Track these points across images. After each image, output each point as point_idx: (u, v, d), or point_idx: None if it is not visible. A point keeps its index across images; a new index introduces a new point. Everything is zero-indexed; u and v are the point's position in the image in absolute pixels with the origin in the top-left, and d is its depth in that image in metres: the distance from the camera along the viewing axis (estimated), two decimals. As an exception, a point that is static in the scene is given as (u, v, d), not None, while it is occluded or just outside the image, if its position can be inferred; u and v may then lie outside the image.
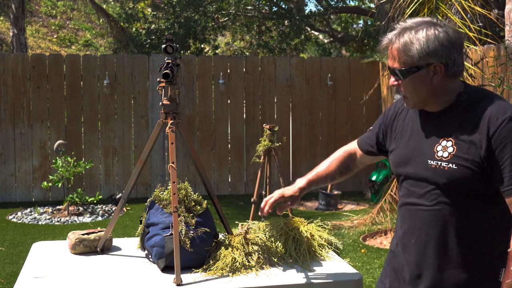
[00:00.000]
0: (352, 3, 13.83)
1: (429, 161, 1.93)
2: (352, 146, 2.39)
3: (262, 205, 2.38)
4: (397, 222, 2.12)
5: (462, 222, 1.91)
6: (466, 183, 1.88)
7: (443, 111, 1.96)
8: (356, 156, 2.36)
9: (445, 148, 1.91)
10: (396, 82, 1.98)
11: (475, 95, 1.95)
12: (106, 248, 2.84)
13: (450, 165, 1.89)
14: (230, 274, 2.49)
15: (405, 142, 2.04)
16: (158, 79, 2.65)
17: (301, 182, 2.37)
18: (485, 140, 1.85)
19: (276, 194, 2.36)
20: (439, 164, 1.91)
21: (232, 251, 2.55)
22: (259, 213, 2.40)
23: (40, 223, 6.96)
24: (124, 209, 7.52)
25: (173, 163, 2.54)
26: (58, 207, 7.63)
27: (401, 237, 2.06)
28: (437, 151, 1.93)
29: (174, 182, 2.52)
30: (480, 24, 6.98)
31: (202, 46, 10.96)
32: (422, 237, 1.97)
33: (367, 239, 6.23)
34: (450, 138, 1.92)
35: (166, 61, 2.66)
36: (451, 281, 1.94)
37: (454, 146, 1.90)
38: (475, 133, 1.87)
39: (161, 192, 2.75)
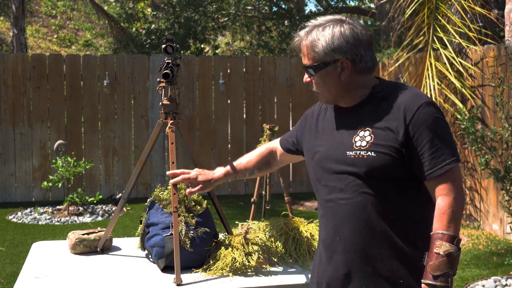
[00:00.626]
0: (352, 3, 13.84)
1: (347, 152, 1.94)
2: (275, 143, 2.43)
3: (174, 175, 2.44)
4: (320, 224, 2.07)
5: (386, 210, 1.90)
6: (386, 170, 1.89)
7: (359, 104, 1.99)
8: (277, 153, 2.41)
9: (363, 137, 1.93)
10: (309, 79, 2.03)
11: (389, 87, 1.99)
12: (106, 248, 2.84)
13: (369, 153, 1.90)
14: (230, 274, 2.49)
15: (325, 140, 2.05)
16: (158, 79, 2.65)
17: (219, 171, 2.43)
18: (403, 127, 1.88)
19: (193, 173, 2.42)
20: (358, 154, 1.92)
21: (232, 251, 2.55)
22: (168, 174, 2.47)
23: (40, 223, 6.96)
24: (124, 209, 7.52)
25: (173, 163, 2.54)
26: (58, 207, 7.63)
27: (325, 238, 2.02)
28: (355, 142, 1.94)
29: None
30: (480, 24, 6.98)
31: (202, 46, 10.96)
32: (346, 232, 1.95)
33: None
34: (367, 128, 1.93)
35: (166, 61, 2.66)
36: (382, 273, 1.91)
37: (372, 135, 1.92)
38: (392, 120, 1.90)
39: (161, 192, 2.75)
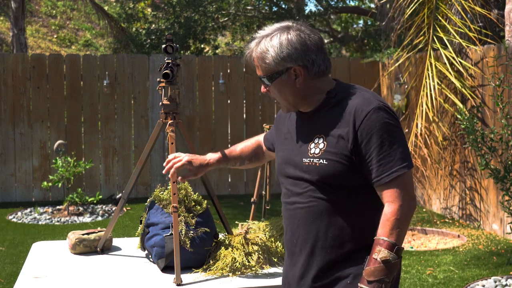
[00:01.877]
0: (352, 3, 13.82)
1: (303, 159, 1.95)
2: (261, 138, 2.43)
3: (166, 165, 2.36)
4: (284, 225, 2.11)
5: (339, 216, 1.92)
6: (338, 177, 1.90)
7: (315, 110, 1.99)
8: (263, 148, 2.41)
9: (317, 145, 1.94)
10: (265, 89, 2.03)
11: (344, 91, 1.98)
12: (106, 248, 2.84)
13: (321, 161, 1.91)
14: (230, 274, 2.49)
15: (286, 144, 2.07)
16: (158, 79, 2.65)
17: (212, 156, 2.39)
18: (352, 133, 1.88)
19: (185, 159, 2.35)
20: (311, 161, 1.93)
21: (232, 251, 2.55)
22: (164, 172, 2.39)
23: (40, 223, 6.96)
24: (124, 209, 7.52)
25: (173, 163, 2.53)
26: (58, 207, 7.63)
27: (286, 239, 2.07)
28: (310, 149, 1.95)
29: (174, 182, 2.52)
30: (480, 24, 6.97)
31: (202, 46, 10.95)
32: (301, 236, 1.98)
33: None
34: (322, 135, 1.94)
35: (166, 61, 2.66)
36: (332, 277, 1.93)
37: (324, 142, 1.92)
38: (342, 127, 1.90)
39: (161, 192, 2.75)
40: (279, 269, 2.55)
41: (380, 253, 1.82)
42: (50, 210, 7.51)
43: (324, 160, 1.90)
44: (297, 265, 2.01)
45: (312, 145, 1.95)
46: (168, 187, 2.71)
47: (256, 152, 2.43)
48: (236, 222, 3.11)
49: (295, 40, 1.93)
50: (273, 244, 2.67)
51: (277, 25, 2.00)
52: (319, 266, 1.95)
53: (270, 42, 1.95)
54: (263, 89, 2.05)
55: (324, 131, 1.94)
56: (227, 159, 2.40)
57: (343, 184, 1.91)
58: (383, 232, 1.85)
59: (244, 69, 8.69)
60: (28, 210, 7.55)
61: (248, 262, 2.54)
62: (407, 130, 7.60)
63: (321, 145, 1.93)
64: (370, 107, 1.88)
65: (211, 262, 2.55)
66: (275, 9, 11.65)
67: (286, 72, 1.95)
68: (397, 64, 7.50)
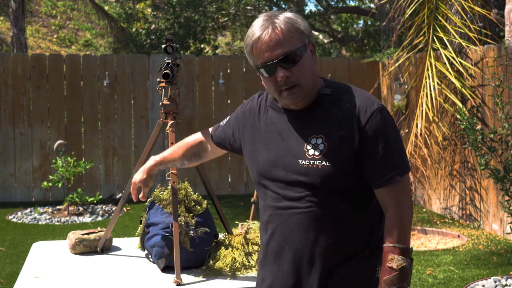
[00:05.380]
0: (352, 3, 13.83)
1: (300, 161, 1.83)
2: (206, 135, 2.29)
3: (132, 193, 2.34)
4: (264, 230, 1.96)
5: (338, 221, 1.84)
6: (341, 180, 1.81)
7: (308, 108, 1.87)
8: (209, 146, 2.27)
9: (315, 146, 1.82)
10: (288, 73, 1.79)
11: (339, 90, 1.88)
12: (106, 248, 2.84)
13: (324, 162, 1.80)
14: (230, 274, 2.49)
15: (270, 144, 1.91)
16: (158, 79, 2.66)
17: (149, 163, 2.33)
18: (357, 134, 1.80)
19: (136, 180, 2.32)
20: (311, 163, 1.81)
21: (232, 251, 2.55)
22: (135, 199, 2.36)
23: (40, 223, 6.96)
24: (124, 209, 7.52)
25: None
26: (58, 207, 7.63)
27: (273, 245, 1.91)
28: (308, 150, 1.83)
29: (174, 182, 2.52)
30: (480, 24, 6.98)
31: (202, 46, 10.95)
32: (297, 241, 1.86)
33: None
34: (320, 135, 1.83)
35: (166, 61, 2.66)
36: (330, 286, 1.86)
37: (325, 143, 1.82)
38: (345, 128, 1.80)
39: (161, 192, 2.75)
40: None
41: (394, 261, 1.78)
42: (50, 210, 7.51)
43: (327, 162, 1.79)
44: (288, 273, 1.88)
45: (309, 146, 1.82)
46: (168, 187, 2.71)
47: (196, 152, 2.31)
48: (236, 222, 3.11)
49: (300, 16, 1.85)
50: (273, 244, 2.67)
51: (267, 13, 1.86)
52: (315, 273, 1.86)
53: (288, 14, 1.83)
54: (283, 74, 1.79)
55: (323, 132, 1.82)
56: (163, 163, 2.33)
57: (343, 187, 1.83)
58: (392, 239, 1.81)
59: (244, 69, 8.69)
60: (28, 210, 7.55)
61: (248, 262, 2.54)
62: (407, 130, 7.60)
63: (321, 146, 1.81)
64: (374, 107, 1.81)
65: (211, 262, 2.55)
66: (275, 9, 11.65)
67: (308, 45, 1.84)
68: (397, 64, 7.50)
